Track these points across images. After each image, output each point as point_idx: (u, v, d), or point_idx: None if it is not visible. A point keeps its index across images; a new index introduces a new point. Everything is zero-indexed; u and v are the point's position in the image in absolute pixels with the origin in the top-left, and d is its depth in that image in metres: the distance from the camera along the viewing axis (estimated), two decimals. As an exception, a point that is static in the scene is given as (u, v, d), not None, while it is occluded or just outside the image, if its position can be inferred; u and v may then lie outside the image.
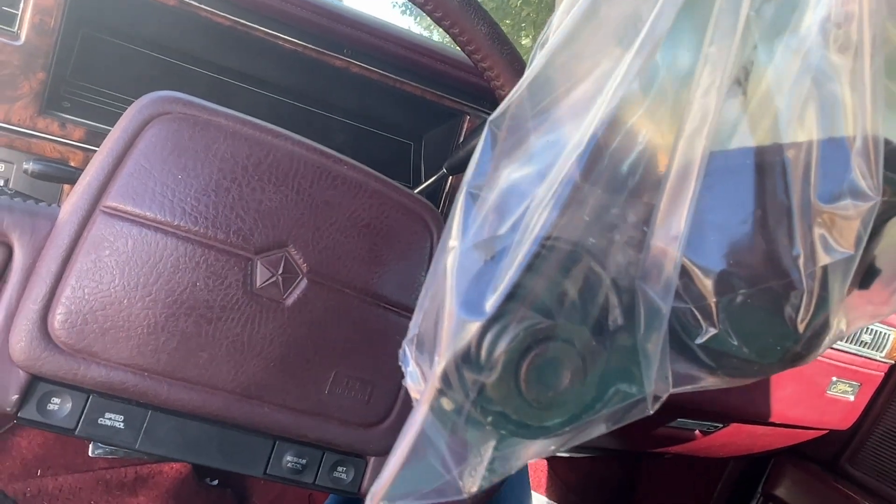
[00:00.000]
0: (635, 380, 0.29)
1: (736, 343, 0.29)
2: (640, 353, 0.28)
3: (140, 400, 0.42)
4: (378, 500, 0.29)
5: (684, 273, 0.28)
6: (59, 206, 0.42)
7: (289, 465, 0.46)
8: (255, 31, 0.75)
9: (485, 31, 0.49)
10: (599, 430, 0.30)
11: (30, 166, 0.61)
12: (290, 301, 0.44)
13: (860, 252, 0.26)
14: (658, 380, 0.28)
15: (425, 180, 0.85)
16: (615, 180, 0.27)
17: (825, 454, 1.48)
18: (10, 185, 0.67)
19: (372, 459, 0.49)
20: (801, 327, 0.28)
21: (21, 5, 0.65)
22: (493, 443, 0.30)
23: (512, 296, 0.26)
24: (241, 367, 0.43)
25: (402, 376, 0.48)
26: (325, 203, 0.46)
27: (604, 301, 0.28)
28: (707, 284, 0.28)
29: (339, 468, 0.48)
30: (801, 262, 0.27)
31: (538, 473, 1.88)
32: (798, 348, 0.29)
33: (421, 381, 0.30)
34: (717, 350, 0.29)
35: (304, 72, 0.87)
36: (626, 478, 1.88)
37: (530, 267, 0.26)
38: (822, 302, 0.27)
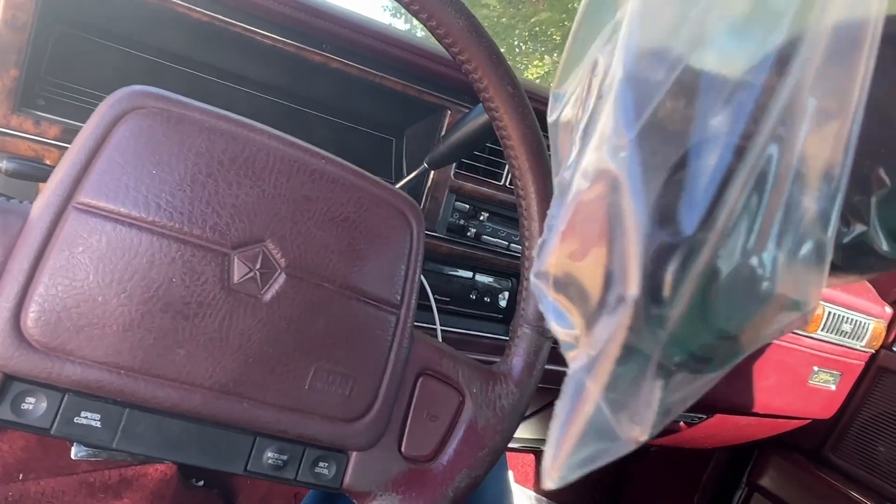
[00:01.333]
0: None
1: (881, 240, 0.26)
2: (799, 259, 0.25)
3: (117, 398, 0.41)
4: (557, 476, 0.27)
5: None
6: (32, 204, 0.41)
7: (269, 461, 0.46)
8: (233, 26, 0.74)
9: (462, 24, 0.49)
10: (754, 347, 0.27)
11: (4, 164, 0.60)
12: (268, 296, 0.44)
13: None
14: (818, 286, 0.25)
15: (407, 175, 0.84)
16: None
17: (808, 444, 1.50)
18: (-16, 184, 0.66)
19: (354, 454, 0.49)
20: None
21: (-8, 1, 0.63)
22: (660, 383, 0.27)
23: (710, 211, 0.22)
24: (220, 364, 0.42)
25: (383, 371, 0.48)
26: (303, 197, 0.46)
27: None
28: (855, 180, 0.25)
29: (321, 464, 0.48)
30: None
31: (526, 468, 1.89)
32: None
33: (576, 320, 0.26)
34: (856, 248, 0.27)
35: (284, 67, 0.86)
36: (614, 469, 1.89)
37: (728, 178, 0.23)
38: None
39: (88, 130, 0.41)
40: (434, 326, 0.90)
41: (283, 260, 0.44)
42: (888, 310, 1.35)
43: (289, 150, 0.46)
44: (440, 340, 0.61)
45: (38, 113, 0.68)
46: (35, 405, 0.40)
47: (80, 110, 0.73)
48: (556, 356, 1.06)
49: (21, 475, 1.19)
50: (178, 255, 0.41)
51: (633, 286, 0.22)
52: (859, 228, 0.26)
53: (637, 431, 0.27)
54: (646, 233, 0.23)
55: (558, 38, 9.75)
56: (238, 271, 0.43)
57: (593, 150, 0.25)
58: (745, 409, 1.26)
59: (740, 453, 1.64)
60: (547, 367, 0.57)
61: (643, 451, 1.80)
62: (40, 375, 0.39)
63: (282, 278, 0.44)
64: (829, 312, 1.24)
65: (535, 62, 10.51)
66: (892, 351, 1.36)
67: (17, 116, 0.66)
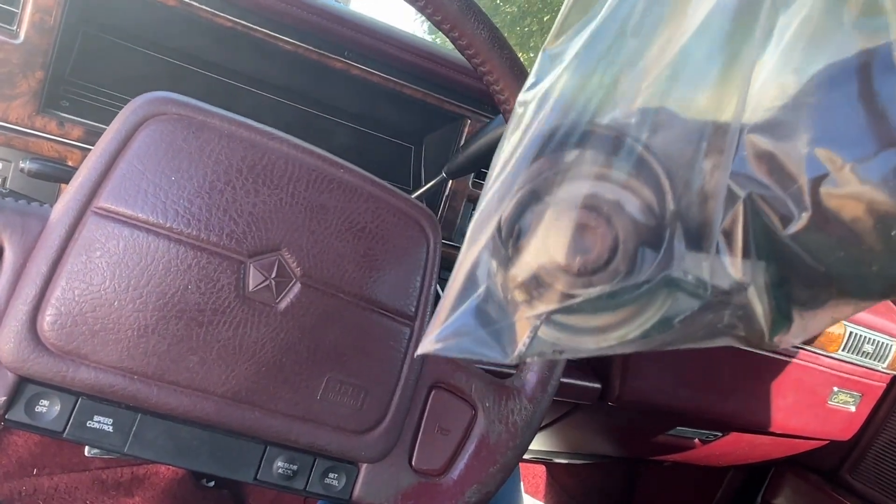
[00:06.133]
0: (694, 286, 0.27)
1: (837, 232, 0.25)
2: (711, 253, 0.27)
3: (129, 403, 0.41)
4: (431, 339, 0.31)
5: (772, 158, 0.25)
6: (52, 206, 0.41)
7: (279, 470, 0.46)
8: (255, 32, 0.75)
9: (485, 36, 0.49)
10: (673, 337, 0.29)
11: (27, 165, 0.61)
12: (282, 305, 0.43)
13: None
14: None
15: (425, 184, 0.84)
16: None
17: (826, 464, 1.47)
18: (7, 184, 0.67)
19: (364, 466, 0.48)
20: None
21: (21, 3, 0.64)
22: (535, 321, 0.31)
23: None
24: (232, 371, 0.42)
25: (396, 383, 0.48)
26: (320, 207, 0.45)
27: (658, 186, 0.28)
28: (796, 165, 0.25)
29: (331, 474, 0.47)
30: None
31: (537, 479, 1.87)
32: None
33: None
34: (821, 248, 0.26)
35: (305, 73, 0.86)
36: (626, 485, 1.87)
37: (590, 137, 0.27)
38: None
39: (109, 136, 0.42)
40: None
41: (298, 269, 0.44)
42: (912, 331, 1.32)
43: (307, 158, 0.46)
44: None
45: (62, 114, 0.69)
46: (49, 408, 0.40)
47: (104, 112, 0.74)
48: (570, 371, 1.04)
49: (35, 470, 1.20)
50: (195, 261, 0.41)
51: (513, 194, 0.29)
52: (804, 216, 0.26)
53: (513, 351, 0.31)
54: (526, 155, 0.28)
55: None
56: (253, 279, 0.43)
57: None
58: (762, 428, 1.24)
59: (755, 472, 1.62)
60: (562, 380, 0.56)
61: (657, 466, 1.78)
62: (55, 378, 0.39)
63: (297, 287, 0.44)
64: (851, 332, 1.22)
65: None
66: (915, 373, 1.33)
67: (41, 117, 0.67)
